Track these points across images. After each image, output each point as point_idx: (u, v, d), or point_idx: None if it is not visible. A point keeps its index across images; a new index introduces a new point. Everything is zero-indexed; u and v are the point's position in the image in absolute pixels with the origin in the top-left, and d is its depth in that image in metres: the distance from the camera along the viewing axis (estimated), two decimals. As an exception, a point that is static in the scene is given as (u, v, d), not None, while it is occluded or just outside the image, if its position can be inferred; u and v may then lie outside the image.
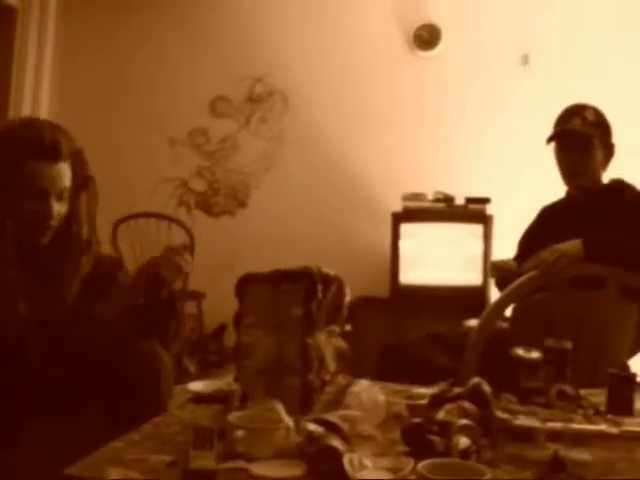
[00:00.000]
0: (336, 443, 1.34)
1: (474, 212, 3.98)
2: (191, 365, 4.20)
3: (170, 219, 4.41)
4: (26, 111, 4.49)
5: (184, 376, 3.58)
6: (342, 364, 1.91)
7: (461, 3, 4.43)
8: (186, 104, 4.74)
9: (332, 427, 1.42)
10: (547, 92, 4.04)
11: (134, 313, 1.86)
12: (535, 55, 4.28)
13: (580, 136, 2.52)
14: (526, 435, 1.54)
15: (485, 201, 3.99)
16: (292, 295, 1.73)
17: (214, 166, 4.78)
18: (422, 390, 1.82)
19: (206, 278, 4.14)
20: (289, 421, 1.49)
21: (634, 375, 1.81)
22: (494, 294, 2.92)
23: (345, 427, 1.45)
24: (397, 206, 4.08)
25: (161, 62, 4.79)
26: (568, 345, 1.87)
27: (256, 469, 1.33)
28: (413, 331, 3.09)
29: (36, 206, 1.80)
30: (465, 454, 1.35)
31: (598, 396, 1.82)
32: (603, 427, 1.62)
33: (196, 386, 1.86)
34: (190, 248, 1.97)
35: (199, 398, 1.80)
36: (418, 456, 1.34)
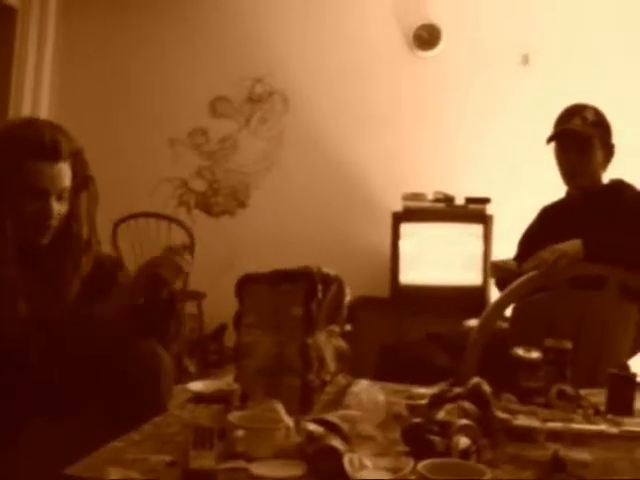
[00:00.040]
0: (336, 443, 1.35)
1: (474, 212, 3.98)
2: (191, 365, 4.20)
3: (170, 219, 4.41)
4: (26, 111, 4.49)
5: (184, 376, 3.58)
6: (342, 364, 1.91)
7: (461, 3, 4.43)
8: (186, 104, 4.74)
9: (332, 427, 1.42)
10: (547, 92, 4.04)
11: (134, 313, 1.86)
12: (535, 55, 4.28)
13: (580, 136, 2.52)
14: (526, 435, 1.54)
15: (485, 201, 3.99)
16: (292, 295, 1.74)
17: (214, 166, 4.78)
18: (422, 390, 1.82)
19: (206, 278, 4.14)
20: (289, 421, 1.49)
21: (634, 375, 1.81)
22: (494, 294, 2.92)
23: (345, 427, 1.45)
24: (397, 206, 4.08)
25: (161, 62, 4.79)
26: (568, 345, 1.87)
27: (256, 469, 1.33)
28: (413, 331, 3.09)
29: (36, 206, 1.80)
30: (465, 454, 1.35)
31: (598, 396, 1.82)
32: (603, 427, 1.62)
33: (196, 386, 1.86)
34: (190, 248, 1.97)
35: (199, 398, 1.80)
36: (418, 456, 1.34)
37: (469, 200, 4.02)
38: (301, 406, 1.66)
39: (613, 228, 2.38)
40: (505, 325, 2.52)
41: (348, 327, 2.02)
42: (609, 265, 2.31)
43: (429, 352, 2.55)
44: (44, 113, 4.58)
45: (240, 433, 1.43)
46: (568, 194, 2.68)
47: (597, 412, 1.73)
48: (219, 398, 1.72)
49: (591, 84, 3.84)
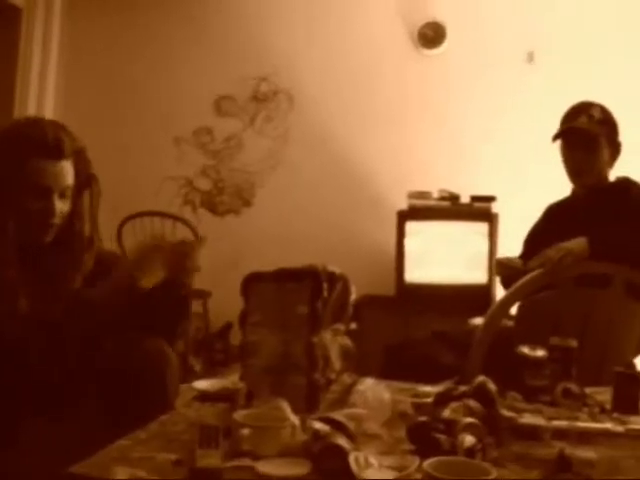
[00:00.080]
0: (342, 441, 1.35)
1: (479, 210, 3.98)
2: (197, 364, 4.21)
3: (175, 218, 4.41)
4: (31, 110, 4.50)
5: (190, 375, 3.59)
6: (347, 362, 1.91)
7: (466, 1, 4.43)
8: (191, 103, 4.74)
9: (338, 425, 1.43)
10: (552, 90, 4.03)
11: (146, 310, 1.88)
12: (540, 53, 4.27)
13: (586, 134, 2.52)
14: (531, 433, 1.54)
15: (490, 199, 3.98)
16: (298, 294, 1.74)
17: (219, 165, 4.79)
18: (427, 388, 1.82)
19: (211, 277, 4.12)
20: (295, 419, 1.49)
21: (640, 373, 1.81)
22: (499, 292, 2.92)
23: (351, 425, 1.45)
24: (402, 204, 4.08)
25: (166, 62, 4.80)
26: (573, 343, 1.87)
27: (262, 467, 1.33)
28: (418, 329, 3.09)
29: (39, 204, 1.80)
30: (470, 452, 1.35)
31: (604, 394, 1.82)
32: (608, 425, 1.62)
33: (202, 384, 1.86)
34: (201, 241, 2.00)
35: (205, 396, 1.80)
36: (423, 454, 1.34)
37: (474, 198, 4.01)
38: (307, 404, 1.66)
39: (619, 226, 2.37)
40: (510, 323, 2.52)
41: (353, 325, 2.02)
42: (615, 263, 2.31)
43: (434, 350, 2.55)
44: (49, 112, 4.59)
45: (246, 431, 1.43)
46: (574, 192, 2.68)
47: (603, 410, 1.73)
48: (225, 397, 1.72)
49: (597, 82, 3.83)
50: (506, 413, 1.59)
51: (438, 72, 4.43)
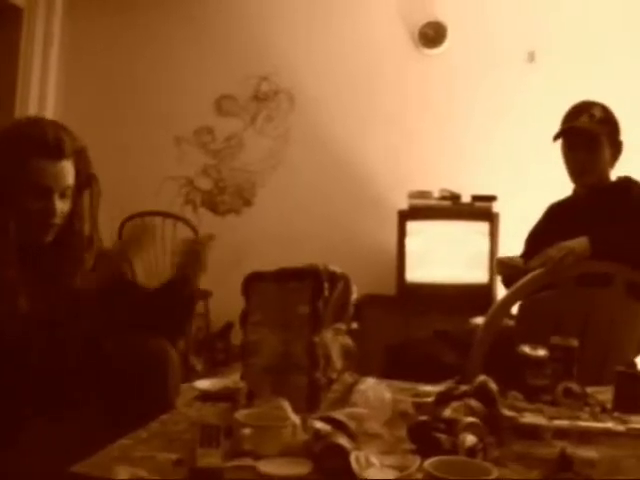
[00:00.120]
0: (343, 441, 1.35)
1: (480, 210, 3.98)
2: (198, 363, 4.21)
3: (176, 217, 4.42)
4: (32, 110, 4.50)
5: (191, 374, 3.59)
6: (349, 362, 1.91)
7: (466, 0, 4.42)
8: (192, 103, 4.74)
9: (339, 425, 1.43)
10: (553, 89, 4.03)
11: (152, 308, 1.89)
12: (541, 52, 4.27)
13: (588, 134, 2.51)
14: (533, 433, 1.54)
15: (491, 199, 3.98)
16: (299, 293, 1.74)
17: (220, 164, 4.78)
18: (428, 388, 1.82)
19: (213, 276, 4.12)
20: (296, 419, 1.49)
21: (641, 373, 1.80)
22: (500, 292, 2.92)
23: (352, 425, 1.45)
24: (403, 204, 4.08)
25: (167, 61, 4.80)
26: (575, 343, 1.87)
27: (263, 467, 1.33)
28: (420, 329, 3.10)
29: (39, 204, 1.80)
30: (471, 452, 1.35)
31: (605, 394, 1.82)
32: (610, 425, 1.62)
33: (203, 384, 1.87)
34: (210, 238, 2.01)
35: (206, 396, 1.80)
36: (424, 454, 1.34)
37: (475, 198, 4.01)
38: (308, 404, 1.66)
39: (620, 225, 2.37)
40: (511, 323, 2.52)
41: (354, 325, 2.02)
42: (616, 263, 2.31)
43: (435, 350, 2.55)
44: (50, 112, 4.59)
45: (247, 431, 1.43)
46: (575, 192, 2.68)
47: (604, 410, 1.73)
48: (226, 396, 1.72)
49: (598, 81, 3.83)
50: (507, 412, 1.59)
51: (439, 72, 4.43)
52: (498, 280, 3.06)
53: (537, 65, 4.27)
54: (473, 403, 1.54)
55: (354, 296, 1.97)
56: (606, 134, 2.52)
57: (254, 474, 1.32)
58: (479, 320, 2.54)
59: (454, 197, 4.06)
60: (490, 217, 3.94)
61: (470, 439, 1.38)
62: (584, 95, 2.66)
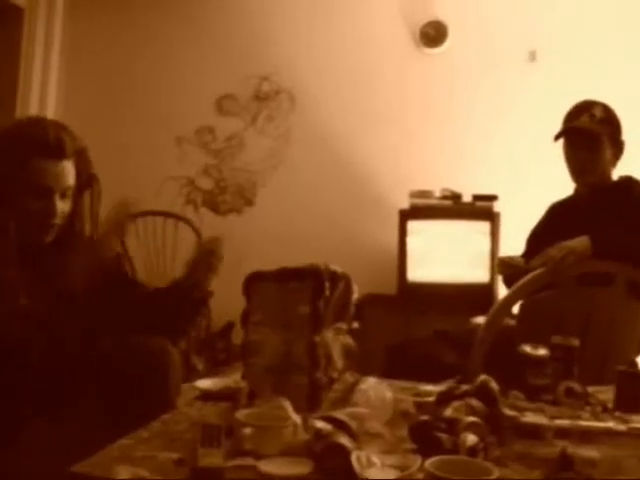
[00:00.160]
0: (344, 440, 1.35)
1: (481, 209, 3.97)
2: (199, 363, 4.21)
3: (177, 217, 4.42)
4: (33, 110, 4.50)
5: (192, 374, 3.58)
6: (349, 362, 1.91)
7: (467, 0, 4.42)
8: (193, 102, 4.74)
9: (340, 424, 1.43)
10: (554, 89, 4.03)
11: (159, 308, 1.90)
12: (542, 52, 4.26)
13: (588, 133, 2.51)
14: (534, 432, 1.54)
15: (492, 198, 3.98)
16: (300, 293, 1.74)
17: (221, 164, 4.78)
18: (429, 387, 1.82)
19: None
20: (297, 419, 1.49)
21: (642, 372, 1.80)
22: (501, 291, 2.92)
23: (353, 425, 1.45)
24: (404, 203, 4.08)
25: (168, 61, 4.80)
26: (575, 342, 1.87)
27: (264, 466, 1.33)
28: (420, 328, 3.09)
29: (40, 204, 1.80)
30: (473, 451, 1.35)
31: (606, 393, 1.82)
32: (611, 424, 1.62)
33: (204, 384, 1.87)
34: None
35: (207, 396, 1.80)
36: (426, 453, 1.34)
37: (476, 197, 4.00)
38: (309, 404, 1.66)
39: (621, 225, 2.37)
40: (512, 322, 2.52)
41: (355, 325, 2.02)
42: (617, 262, 2.31)
43: (436, 349, 2.55)
44: (51, 112, 4.59)
45: (248, 431, 1.43)
46: (576, 191, 2.68)
47: (605, 409, 1.73)
48: (227, 396, 1.73)
49: (599, 81, 3.83)
50: (508, 412, 1.58)
51: (440, 71, 4.43)
52: (499, 280, 3.06)
53: (538, 65, 4.27)
54: (474, 403, 1.54)
55: (355, 296, 1.97)
56: (607, 134, 2.52)
57: (255, 474, 1.32)
58: (480, 320, 2.54)
59: (455, 196, 4.06)
60: (491, 217, 3.93)
61: (471, 439, 1.37)
62: (585, 95, 2.65)
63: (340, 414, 1.49)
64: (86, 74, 4.86)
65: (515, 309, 2.49)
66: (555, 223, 2.68)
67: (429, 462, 1.26)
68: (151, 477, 1.29)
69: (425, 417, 1.51)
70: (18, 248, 1.79)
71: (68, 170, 1.84)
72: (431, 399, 1.68)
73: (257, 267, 1.82)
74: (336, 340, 1.85)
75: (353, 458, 1.31)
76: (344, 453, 1.32)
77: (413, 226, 4.01)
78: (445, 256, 3.99)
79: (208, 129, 4.77)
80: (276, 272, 1.78)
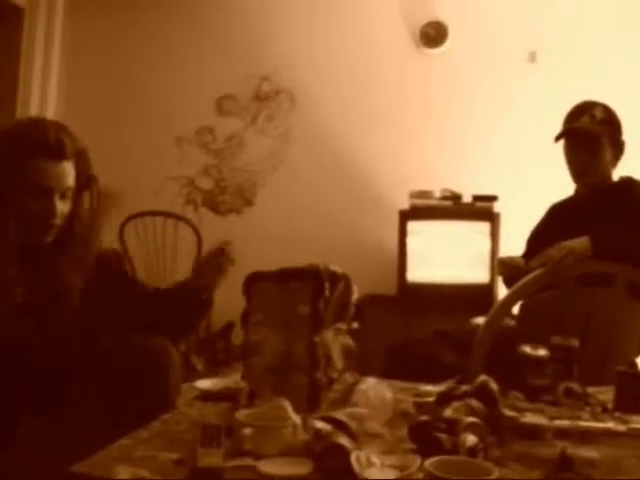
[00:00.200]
0: (343, 441, 1.35)
1: (481, 210, 3.97)
2: (199, 363, 4.21)
3: (177, 217, 4.42)
4: (34, 110, 4.50)
5: (192, 374, 3.59)
6: (349, 362, 1.91)
7: (468, 0, 4.42)
8: (193, 103, 4.74)
9: (339, 425, 1.43)
10: (554, 89, 4.03)
11: (156, 308, 1.90)
12: (542, 52, 4.26)
13: (589, 134, 2.51)
14: (533, 433, 1.54)
15: (492, 199, 3.98)
16: (299, 293, 1.74)
17: (221, 164, 4.78)
18: (429, 388, 1.82)
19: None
20: (296, 419, 1.49)
21: (642, 373, 1.80)
22: (501, 292, 2.91)
23: (352, 425, 1.45)
24: (404, 204, 4.08)
25: (168, 61, 4.80)
26: (575, 343, 1.87)
27: (263, 467, 1.33)
28: (420, 329, 3.09)
29: (40, 204, 1.80)
30: (472, 452, 1.35)
31: (606, 394, 1.82)
32: (611, 425, 1.62)
33: (204, 384, 1.87)
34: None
35: (207, 396, 1.80)
36: (425, 454, 1.34)
37: (476, 198, 4.01)
38: (308, 404, 1.66)
39: (622, 225, 2.37)
40: (512, 323, 2.52)
41: (355, 325, 2.02)
42: (617, 263, 2.31)
43: (436, 350, 2.55)
44: (51, 112, 4.59)
45: (248, 431, 1.43)
46: (577, 192, 2.68)
47: (605, 410, 1.73)
48: (227, 396, 1.72)
49: (599, 81, 3.83)
50: (508, 412, 1.58)
51: (440, 72, 4.43)
52: (499, 280, 3.06)
53: (538, 65, 4.27)
54: (474, 403, 1.54)
55: (355, 296, 1.97)
56: (607, 135, 2.52)
57: (255, 474, 1.32)
58: (480, 320, 2.54)
59: (455, 197, 4.06)
60: (491, 217, 3.94)
61: (471, 439, 1.38)
62: (585, 95, 2.65)
63: (340, 414, 1.49)
64: (86, 74, 4.86)
65: (515, 309, 2.49)
66: (555, 224, 2.68)
67: (429, 462, 1.27)
68: (151, 477, 1.29)
69: (425, 417, 1.51)
70: (18, 248, 1.79)
71: (68, 171, 1.84)
72: (431, 399, 1.68)
73: (257, 267, 1.82)
74: (336, 340, 1.85)
75: (353, 458, 1.31)
76: (344, 453, 1.32)
77: (413, 226, 4.01)
78: (445, 256, 3.99)
79: (208, 129, 4.77)
80: (276, 272, 1.78)
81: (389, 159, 4.44)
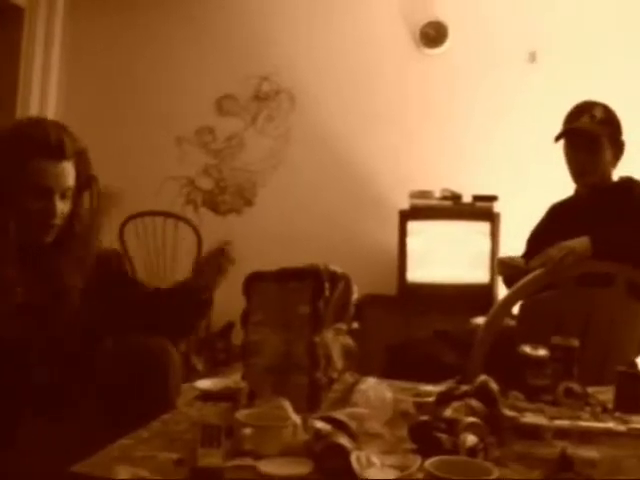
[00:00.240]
0: (343, 441, 1.35)
1: (481, 210, 3.97)
2: (199, 363, 4.21)
3: (177, 217, 4.42)
4: (34, 110, 4.50)
5: (192, 374, 3.59)
6: (349, 362, 1.91)
7: (468, 0, 4.42)
8: (193, 103, 4.74)
9: (339, 425, 1.43)
10: (554, 89, 4.03)
11: (156, 308, 1.90)
12: (542, 52, 4.26)
13: (589, 135, 2.51)
14: (533, 433, 1.54)
15: (492, 199, 3.98)
16: (299, 293, 1.74)
17: (221, 164, 4.78)
18: (429, 388, 1.82)
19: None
20: (296, 419, 1.49)
21: (642, 373, 1.80)
22: (501, 292, 2.91)
23: (352, 425, 1.45)
24: (404, 204, 4.08)
25: (168, 61, 4.80)
26: (575, 343, 1.87)
27: (263, 467, 1.33)
28: (420, 329, 3.09)
29: (40, 204, 1.80)
30: (472, 452, 1.35)
31: (606, 394, 1.82)
32: (610, 425, 1.62)
33: (204, 384, 1.87)
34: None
35: (207, 396, 1.80)
36: (425, 454, 1.34)
37: (476, 198, 4.01)
38: (308, 404, 1.66)
39: (622, 226, 2.37)
40: (512, 323, 2.52)
41: (355, 325, 2.02)
42: (617, 263, 2.31)
43: (436, 350, 2.55)
44: (51, 112, 4.59)
45: (248, 431, 1.43)
46: (577, 192, 2.68)
47: (605, 410, 1.73)
48: (227, 396, 1.72)
49: (599, 81, 3.83)
50: (508, 412, 1.58)
51: (440, 72, 4.43)
52: (499, 280, 3.06)
53: (538, 65, 4.27)
54: (474, 403, 1.54)
55: (355, 296, 1.97)
56: (607, 135, 2.52)
57: (255, 474, 1.32)
58: (480, 320, 2.54)
59: (455, 197, 4.06)
60: (491, 217, 3.94)
61: (471, 439, 1.38)
62: (585, 95, 2.65)
63: (340, 414, 1.49)
64: (86, 74, 4.86)
65: (515, 309, 2.49)
66: (555, 224, 2.68)
67: (429, 462, 1.27)
68: (151, 477, 1.29)
69: (425, 417, 1.51)
70: (18, 248, 1.79)
71: (68, 171, 1.84)
72: (431, 399, 1.68)
73: (257, 267, 1.82)
74: (336, 340, 1.86)
75: (353, 458, 1.31)
76: (344, 453, 1.32)
77: (413, 226, 4.02)
78: (445, 256, 3.99)
79: (208, 129, 4.77)
80: (276, 272, 1.78)
81: (389, 159, 4.44)
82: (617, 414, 1.70)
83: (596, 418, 1.67)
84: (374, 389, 1.70)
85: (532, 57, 4.28)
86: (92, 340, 1.82)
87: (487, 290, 3.83)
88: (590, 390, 1.81)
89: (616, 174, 2.61)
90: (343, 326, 1.93)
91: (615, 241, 2.33)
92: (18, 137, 1.83)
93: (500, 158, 4.24)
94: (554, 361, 1.82)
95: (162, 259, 4.37)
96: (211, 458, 1.30)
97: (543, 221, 2.77)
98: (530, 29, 4.26)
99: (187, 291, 2.00)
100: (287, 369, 1.71)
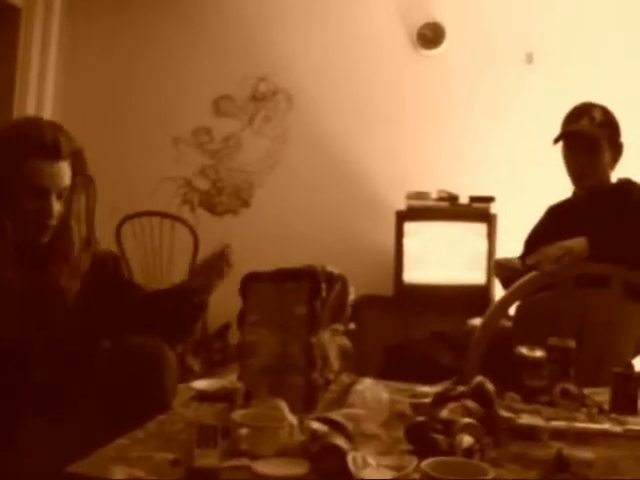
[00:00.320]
0: (340, 441, 1.35)
1: (478, 211, 3.98)
2: (195, 363, 4.20)
3: (174, 218, 4.42)
4: (30, 111, 4.49)
5: (188, 374, 3.58)
6: (346, 363, 1.92)
7: (465, 1, 4.42)
8: (190, 103, 4.74)
9: (336, 425, 1.43)
10: (552, 90, 4.03)
11: (153, 309, 1.90)
12: (539, 53, 4.27)
13: (588, 137, 2.51)
14: (530, 434, 1.54)
15: (489, 200, 3.98)
16: (296, 294, 1.74)
17: (218, 165, 4.78)
18: (426, 389, 1.82)
19: (210, 277, 4.13)
20: (293, 419, 1.49)
21: (638, 374, 1.81)
22: (498, 293, 2.92)
23: (349, 426, 1.45)
24: (401, 205, 4.08)
25: (165, 62, 4.79)
26: (572, 344, 1.87)
27: (260, 467, 1.33)
28: (417, 330, 3.09)
29: (36, 204, 1.80)
30: (468, 453, 1.35)
31: (602, 395, 1.82)
32: (607, 426, 1.62)
33: (200, 384, 1.86)
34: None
35: (203, 396, 1.80)
36: (422, 454, 1.34)
37: (473, 199, 4.01)
38: (305, 404, 1.66)
39: (620, 228, 2.37)
40: (509, 324, 2.52)
41: (352, 326, 2.03)
42: (614, 264, 2.31)
43: (433, 351, 2.55)
44: (48, 113, 4.58)
45: (244, 431, 1.43)
46: (575, 193, 2.68)
47: (601, 411, 1.73)
48: (223, 396, 1.72)
49: (596, 82, 3.83)
50: (504, 413, 1.59)
51: (437, 73, 4.43)
52: (496, 281, 3.06)
53: (535, 66, 4.27)
54: (470, 404, 1.54)
55: (351, 297, 1.97)
56: (606, 137, 2.52)
57: (251, 474, 1.32)
58: (476, 321, 2.54)
59: (452, 198, 4.06)
60: (488, 218, 3.94)
61: (467, 440, 1.38)
62: (583, 96, 2.65)
63: (336, 415, 1.49)
64: (83, 74, 4.86)
65: (511, 311, 2.49)
66: (553, 225, 2.68)
67: (425, 463, 1.26)
68: (147, 477, 1.29)
69: (421, 418, 1.51)
70: (15, 248, 1.78)
71: (64, 171, 1.84)
72: (427, 400, 1.67)
73: (254, 268, 1.82)
74: (332, 341, 1.85)
75: (349, 459, 1.31)
76: (340, 454, 1.32)
77: (410, 227, 4.02)
78: (442, 257, 3.99)
79: (205, 130, 4.77)
80: (273, 273, 1.78)
81: (386, 160, 4.44)
82: (613, 415, 1.70)
83: (592, 419, 1.67)
84: (370, 390, 1.70)
85: (529, 58, 4.29)
86: (91, 340, 1.82)
87: (484, 291, 3.84)
88: (586, 391, 1.81)
89: (614, 176, 2.61)
90: (340, 327, 1.93)
91: (612, 243, 2.33)
92: (14, 137, 1.83)
93: (497, 159, 4.24)
94: (550, 362, 1.83)
95: (159, 259, 4.37)
96: (207, 458, 1.30)
97: (541, 223, 2.77)
98: (527, 30, 4.27)
99: (182, 294, 1.99)
100: (283, 370, 1.71)
